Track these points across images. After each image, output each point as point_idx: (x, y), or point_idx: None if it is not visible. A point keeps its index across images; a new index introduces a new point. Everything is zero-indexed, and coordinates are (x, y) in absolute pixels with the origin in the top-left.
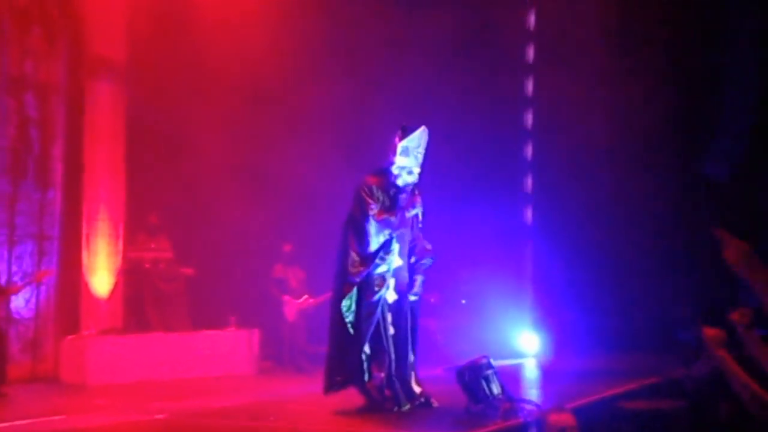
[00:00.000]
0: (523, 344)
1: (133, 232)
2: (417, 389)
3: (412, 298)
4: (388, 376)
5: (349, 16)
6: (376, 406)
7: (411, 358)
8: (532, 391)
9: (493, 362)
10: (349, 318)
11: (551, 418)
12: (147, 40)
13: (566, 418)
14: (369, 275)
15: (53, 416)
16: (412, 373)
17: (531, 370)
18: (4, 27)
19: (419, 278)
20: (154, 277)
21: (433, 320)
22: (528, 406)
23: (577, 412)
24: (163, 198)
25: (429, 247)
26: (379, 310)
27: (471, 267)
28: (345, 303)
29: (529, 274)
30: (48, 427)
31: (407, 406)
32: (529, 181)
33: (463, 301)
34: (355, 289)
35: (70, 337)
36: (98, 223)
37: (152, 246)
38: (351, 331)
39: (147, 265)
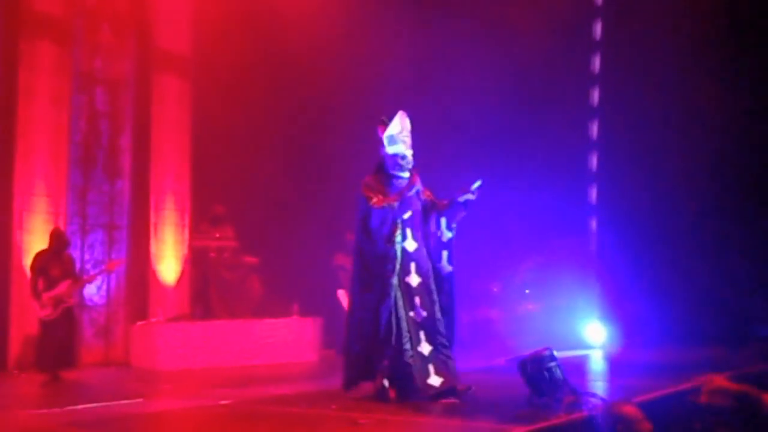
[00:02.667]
0: (590, 335)
1: (199, 221)
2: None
3: (449, 268)
4: (401, 362)
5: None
6: (384, 395)
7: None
8: (598, 383)
9: (557, 354)
10: (367, 310)
11: (616, 411)
12: (212, 35)
13: (632, 411)
14: (379, 262)
15: (125, 400)
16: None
17: (597, 362)
18: (76, 25)
19: (445, 252)
20: (219, 265)
21: (495, 310)
22: (593, 400)
23: (646, 406)
24: (228, 188)
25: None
26: (392, 295)
27: (535, 256)
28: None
29: (594, 262)
30: (120, 411)
31: (432, 391)
32: (594, 166)
33: (527, 291)
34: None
35: (139, 323)
36: (165, 213)
37: (217, 235)
38: (369, 321)
39: (212, 254)
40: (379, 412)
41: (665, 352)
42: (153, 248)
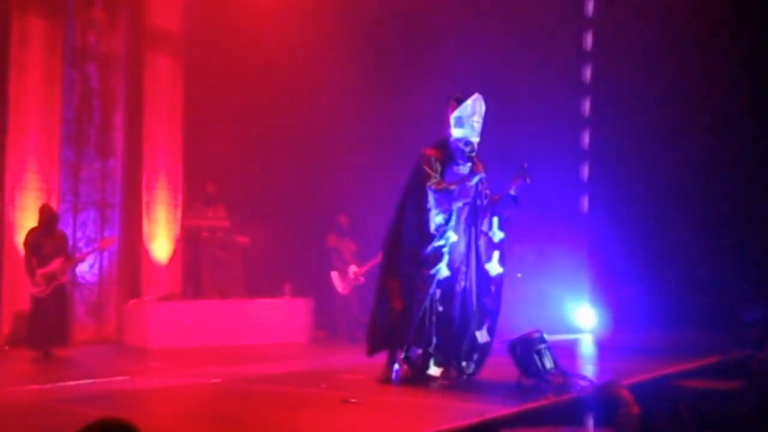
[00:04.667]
0: (580, 319)
1: (191, 200)
2: (468, 369)
3: (499, 270)
4: (425, 352)
5: None
6: (405, 377)
7: (480, 337)
8: (587, 366)
9: (547, 337)
10: (402, 293)
11: (611, 391)
12: (205, 13)
13: (625, 395)
14: (423, 245)
15: (115, 377)
16: (466, 354)
17: (587, 346)
18: (69, 1)
19: (496, 253)
20: (211, 245)
21: None
22: (582, 382)
23: (633, 389)
24: (221, 168)
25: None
26: (434, 284)
27: (526, 240)
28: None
29: (586, 246)
30: (110, 387)
31: (438, 383)
32: (585, 144)
33: (519, 275)
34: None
35: (131, 301)
36: (157, 192)
37: (209, 215)
38: (404, 301)
39: (204, 234)
40: (369, 393)
41: (654, 336)
42: (145, 227)
